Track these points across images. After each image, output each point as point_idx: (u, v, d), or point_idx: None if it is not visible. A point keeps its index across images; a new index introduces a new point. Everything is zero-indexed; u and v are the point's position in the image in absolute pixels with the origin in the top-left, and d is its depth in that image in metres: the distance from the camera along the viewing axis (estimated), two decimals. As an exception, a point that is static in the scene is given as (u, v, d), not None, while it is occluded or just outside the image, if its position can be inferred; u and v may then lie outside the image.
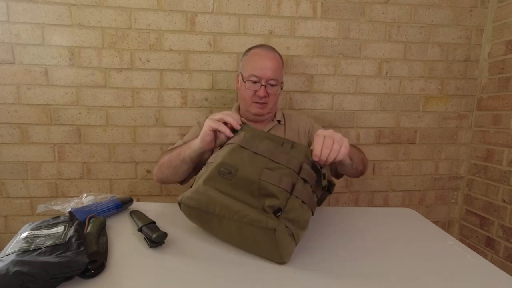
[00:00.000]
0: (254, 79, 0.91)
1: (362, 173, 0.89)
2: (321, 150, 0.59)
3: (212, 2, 1.19)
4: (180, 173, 0.81)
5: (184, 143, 0.81)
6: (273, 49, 0.98)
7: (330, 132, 0.61)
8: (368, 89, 1.33)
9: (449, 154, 1.43)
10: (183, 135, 1.26)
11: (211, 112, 1.26)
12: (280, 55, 0.98)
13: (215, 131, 0.69)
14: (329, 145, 0.59)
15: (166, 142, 1.27)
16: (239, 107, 1.03)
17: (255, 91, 0.92)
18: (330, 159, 0.59)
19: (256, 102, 0.93)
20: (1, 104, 1.16)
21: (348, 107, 1.33)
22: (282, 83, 0.98)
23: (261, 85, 0.91)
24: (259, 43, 1.23)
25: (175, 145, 0.90)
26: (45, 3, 1.12)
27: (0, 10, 1.11)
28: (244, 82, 0.93)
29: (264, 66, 0.91)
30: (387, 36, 1.30)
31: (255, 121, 0.99)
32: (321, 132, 0.62)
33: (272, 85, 0.92)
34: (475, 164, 1.40)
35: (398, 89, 1.35)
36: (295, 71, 1.28)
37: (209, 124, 0.68)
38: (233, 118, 0.67)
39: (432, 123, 1.39)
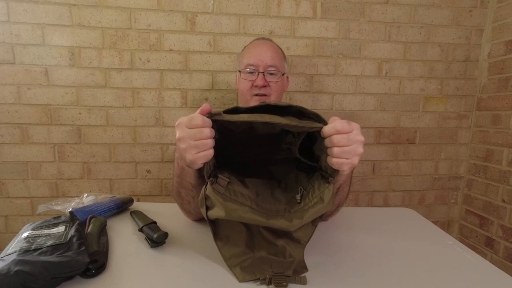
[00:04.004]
0: (251, 68, 0.83)
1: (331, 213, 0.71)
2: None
3: (212, 2, 1.19)
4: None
5: (176, 174, 0.61)
6: (270, 40, 0.91)
7: (346, 126, 0.45)
8: (368, 89, 1.33)
9: (448, 154, 1.43)
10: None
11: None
12: (279, 47, 0.91)
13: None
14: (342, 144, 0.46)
15: (166, 142, 1.27)
16: None
17: (253, 82, 0.83)
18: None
19: (256, 95, 0.83)
20: (1, 104, 1.16)
21: (348, 107, 1.33)
22: (285, 74, 0.88)
23: (259, 72, 0.82)
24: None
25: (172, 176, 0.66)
26: (46, 3, 1.12)
27: (1, 10, 1.11)
28: (241, 73, 0.86)
29: (259, 53, 0.84)
30: (387, 36, 1.30)
31: None
32: (339, 124, 0.46)
33: (271, 74, 0.83)
34: (474, 164, 1.41)
35: (398, 89, 1.35)
36: (295, 71, 1.28)
37: (188, 157, 0.47)
38: (200, 163, 0.47)
39: (432, 123, 1.39)
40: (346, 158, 0.46)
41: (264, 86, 0.83)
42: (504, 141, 1.26)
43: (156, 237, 0.57)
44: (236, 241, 0.53)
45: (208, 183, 0.48)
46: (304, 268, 0.51)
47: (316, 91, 1.31)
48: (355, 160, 0.46)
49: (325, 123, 0.47)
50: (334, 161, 0.46)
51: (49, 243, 0.49)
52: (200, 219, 0.70)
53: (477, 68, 1.37)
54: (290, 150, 0.60)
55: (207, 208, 0.50)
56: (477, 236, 1.39)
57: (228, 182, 0.49)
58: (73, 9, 1.14)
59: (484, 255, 1.27)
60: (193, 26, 1.20)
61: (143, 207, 0.78)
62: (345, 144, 0.45)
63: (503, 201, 1.26)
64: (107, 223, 0.65)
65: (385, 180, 1.42)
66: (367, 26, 1.28)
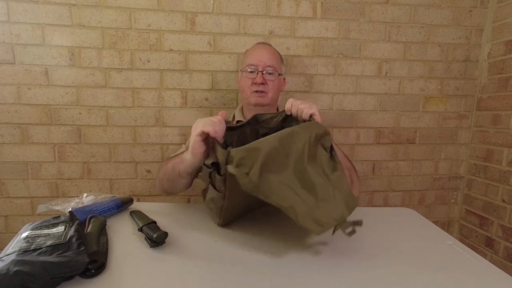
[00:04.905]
0: (251, 68, 0.95)
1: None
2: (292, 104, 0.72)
3: (212, 2, 1.19)
4: (181, 186, 0.76)
5: (177, 155, 0.77)
6: (269, 44, 1.04)
7: (296, 99, 0.73)
8: (368, 89, 1.33)
9: (448, 154, 1.43)
10: (183, 135, 1.26)
11: (211, 113, 1.26)
12: (277, 51, 1.02)
13: (206, 140, 0.62)
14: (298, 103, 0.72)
15: (166, 142, 1.27)
16: (242, 107, 1.04)
17: (253, 80, 0.94)
18: (301, 113, 0.70)
19: (256, 92, 0.94)
20: (1, 104, 1.16)
21: (348, 107, 1.33)
22: (282, 75, 1.00)
23: (258, 71, 0.93)
24: (259, 43, 1.24)
25: (174, 154, 0.86)
26: (46, 3, 1.12)
27: (1, 10, 1.11)
28: (242, 73, 0.97)
29: (259, 54, 0.96)
30: (386, 36, 1.30)
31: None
32: (291, 99, 0.73)
33: (269, 73, 0.95)
34: (474, 164, 1.41)
35: (398, 89, 1.35)
36: (295, 71, 1.28)
37: (194, 139, 0.61)
38: (215, 130, 0.59)
39: (432, 123, 1.39)
40: (309, 108, 0.70)
41: (262, 84, 0.94)
42: (504, 141, 1.26)
43: (156, 237, 0.57)
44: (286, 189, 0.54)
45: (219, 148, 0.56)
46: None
47: (316, 91, 1.31)
48: (314, 107, 0.71)
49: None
50: (304, 113, 0.70)
51: (49, 243, 0.49)
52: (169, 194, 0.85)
53: (477, 68, 1.37)
54: None
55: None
56: (477, 236, 1.39)
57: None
58: (73, 9, 1.14)
59: (484, 255, 1.27)
60: (193, 26, 1.20)
61: (143, 207, 0.78)
62: (302, 103, 0.71)
63: (503, 201, 1.26)
64: (107, 223, 0.65)
65: (385, 180, 1.41)
66: (367, 26, 1.28)
